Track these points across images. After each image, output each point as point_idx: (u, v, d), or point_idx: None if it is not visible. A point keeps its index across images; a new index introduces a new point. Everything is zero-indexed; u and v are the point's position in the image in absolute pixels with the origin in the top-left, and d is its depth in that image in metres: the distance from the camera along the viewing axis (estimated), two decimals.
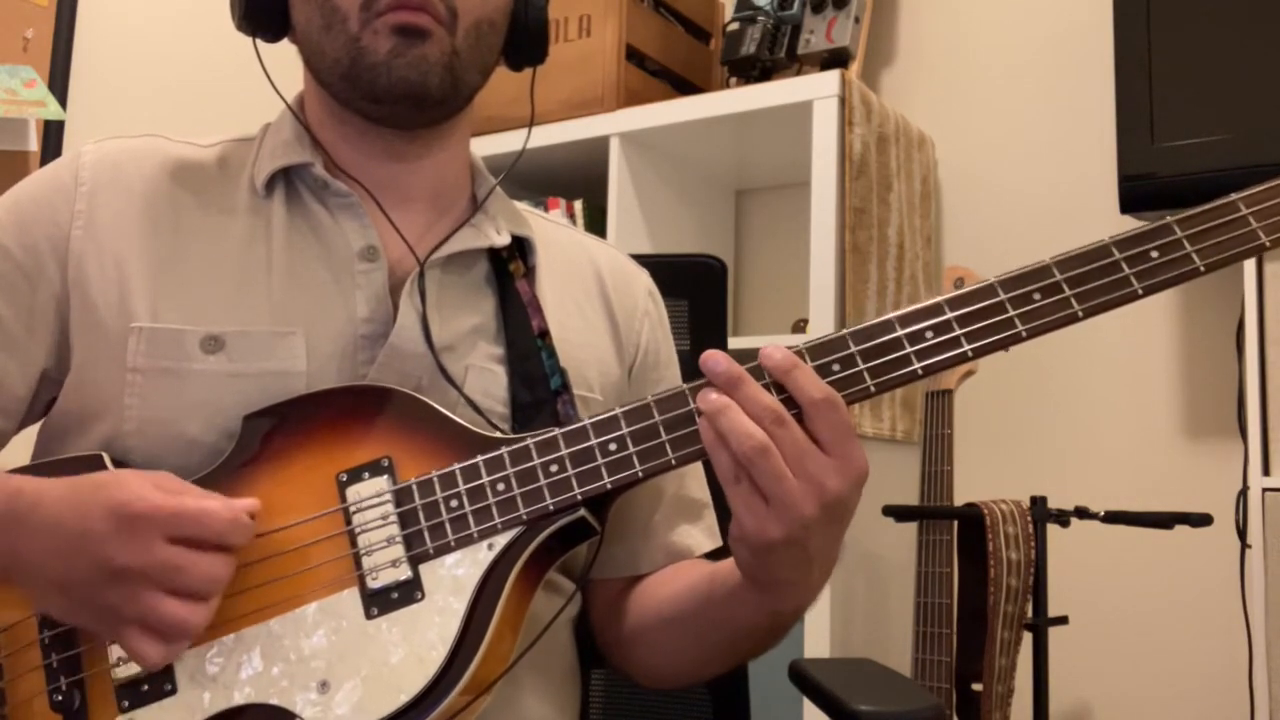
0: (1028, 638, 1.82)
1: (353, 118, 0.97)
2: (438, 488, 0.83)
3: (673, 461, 0.81)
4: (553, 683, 0.97)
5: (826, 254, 2.06)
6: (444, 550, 0.82)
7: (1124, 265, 0.80)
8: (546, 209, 2.47)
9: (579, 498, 0.81)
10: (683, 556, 1.04)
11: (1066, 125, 2.28)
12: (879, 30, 2.48)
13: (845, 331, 0.81)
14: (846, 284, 2.06)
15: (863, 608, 2.08)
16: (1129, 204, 1.95)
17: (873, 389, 0.81)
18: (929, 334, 0.81)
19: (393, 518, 0.82)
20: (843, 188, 2.07)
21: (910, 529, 1.90)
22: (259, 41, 0.99)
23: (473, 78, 0.96)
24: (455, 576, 0.81)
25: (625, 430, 0.82)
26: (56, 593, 0.80)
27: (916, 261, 2.28)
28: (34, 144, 1.96)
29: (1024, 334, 0.80)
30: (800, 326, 2.31)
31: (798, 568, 0.81)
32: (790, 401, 0.78)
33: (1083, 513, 1.83)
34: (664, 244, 2.40)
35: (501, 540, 0.81)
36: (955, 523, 1.85)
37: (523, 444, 0.83)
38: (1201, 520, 1.73)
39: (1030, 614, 1.83)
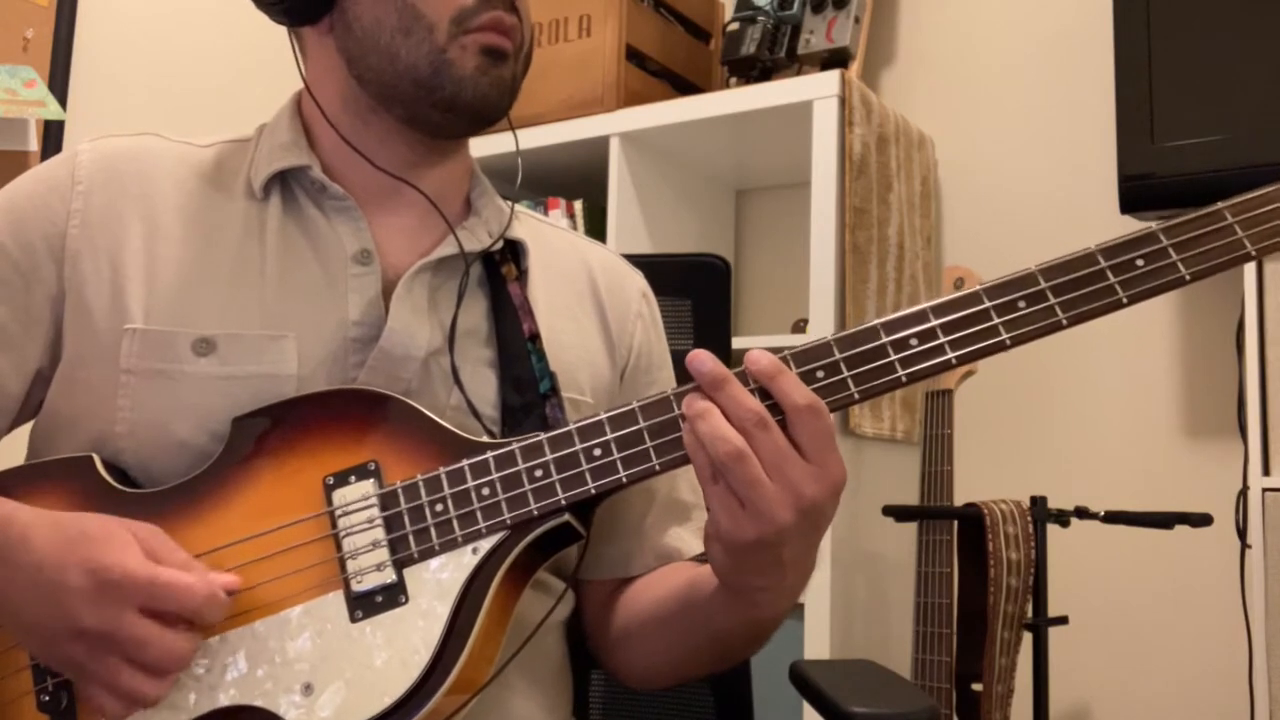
0: (1028, 638, 1.82)
1: (384, 120, 0.97)
2: (423, 492, 0.83)
3: (656, 467, 0.81)
4: (541, 684, 0.97)
5: (826, 254, 2.06)
6: (428, 554, 0.82)
7: (1109, 274, 0.80)
8: (546, 209, 2.47)
9: (563, 502, 0.82)
10: (673, 558, 1.05)
11: (1066, 125, 2.28)
12: (879, 30, 2.48)
13: (830, 338, 0.82)
14: (846, 284, 2.06)
15: (863, 608, 2.08)
16: (1129, 204, 1.95)
17: (857, 396, 0.81)
18: (914, 341, 0.81)
19: (378, 521, 0.83)
20: (843, 188, 2.07)
21: (910, 529, 1.90)
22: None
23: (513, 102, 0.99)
24: (439, 580, 0.81)
25: (610, 436, 0.82)
26: (26, 633, 0.81)
27: (916, 261, 2.28)
28: (34, 144, 1.97)
29: (1008, 342, 0.80)
30: (800, 326, 2.31)
31: (771, 573, 0.82)
32: (775, 408, 0.78)
33: (1083, 513, 1.83)
34: (664, 244, 2.40)
35: (486, 544, 0.82)
36: (955, 523, 1.84)
37: (508, 449, 0.83)
38: (1201, 520, 1.73)
39: (1030, 614, 1.82)
